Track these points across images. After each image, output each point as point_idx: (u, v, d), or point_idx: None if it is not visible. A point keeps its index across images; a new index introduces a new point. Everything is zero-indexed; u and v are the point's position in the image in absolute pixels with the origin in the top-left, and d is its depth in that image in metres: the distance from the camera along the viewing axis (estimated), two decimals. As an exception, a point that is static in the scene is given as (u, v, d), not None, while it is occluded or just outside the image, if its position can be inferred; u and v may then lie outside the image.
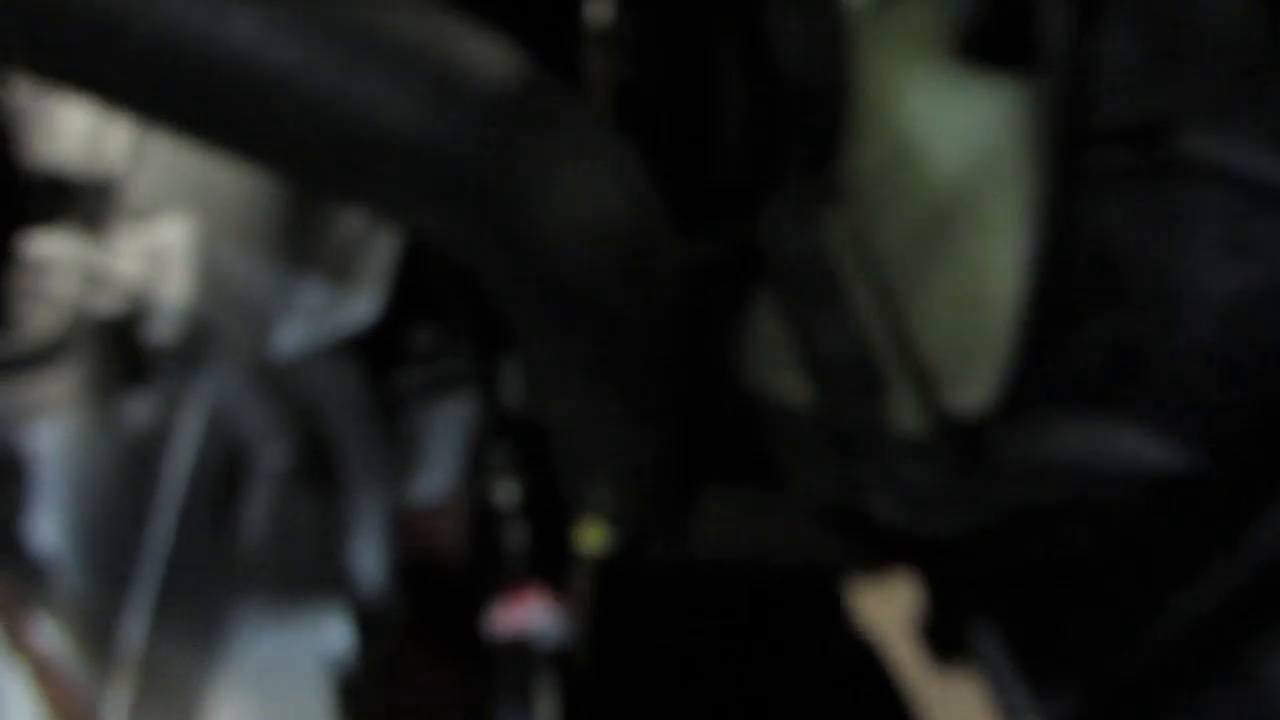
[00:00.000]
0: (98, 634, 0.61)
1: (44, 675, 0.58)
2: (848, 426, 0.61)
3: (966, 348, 0.55)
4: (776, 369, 0.74)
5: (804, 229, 0.62)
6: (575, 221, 0.52)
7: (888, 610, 0.82)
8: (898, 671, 0.82)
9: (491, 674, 0.68)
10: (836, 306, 0.61)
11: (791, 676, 0.84)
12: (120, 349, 0.65)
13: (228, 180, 0.68)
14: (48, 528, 0.61)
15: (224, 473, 0.68)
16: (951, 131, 0.55)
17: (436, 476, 0.77)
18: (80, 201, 0.65)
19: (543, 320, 0.56)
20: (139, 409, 0.65)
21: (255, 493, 0.69)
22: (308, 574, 0.71)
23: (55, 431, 0.62)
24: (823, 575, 0.83)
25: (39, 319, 0.63)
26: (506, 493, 0.69)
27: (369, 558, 0.73)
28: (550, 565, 0.72)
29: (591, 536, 0.71)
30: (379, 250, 0.71)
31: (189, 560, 0.65)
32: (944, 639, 0.77)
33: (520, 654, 0.69)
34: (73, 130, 0.64)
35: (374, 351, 0.74)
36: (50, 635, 0.60)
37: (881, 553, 0.78)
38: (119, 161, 0.66)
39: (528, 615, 0.70)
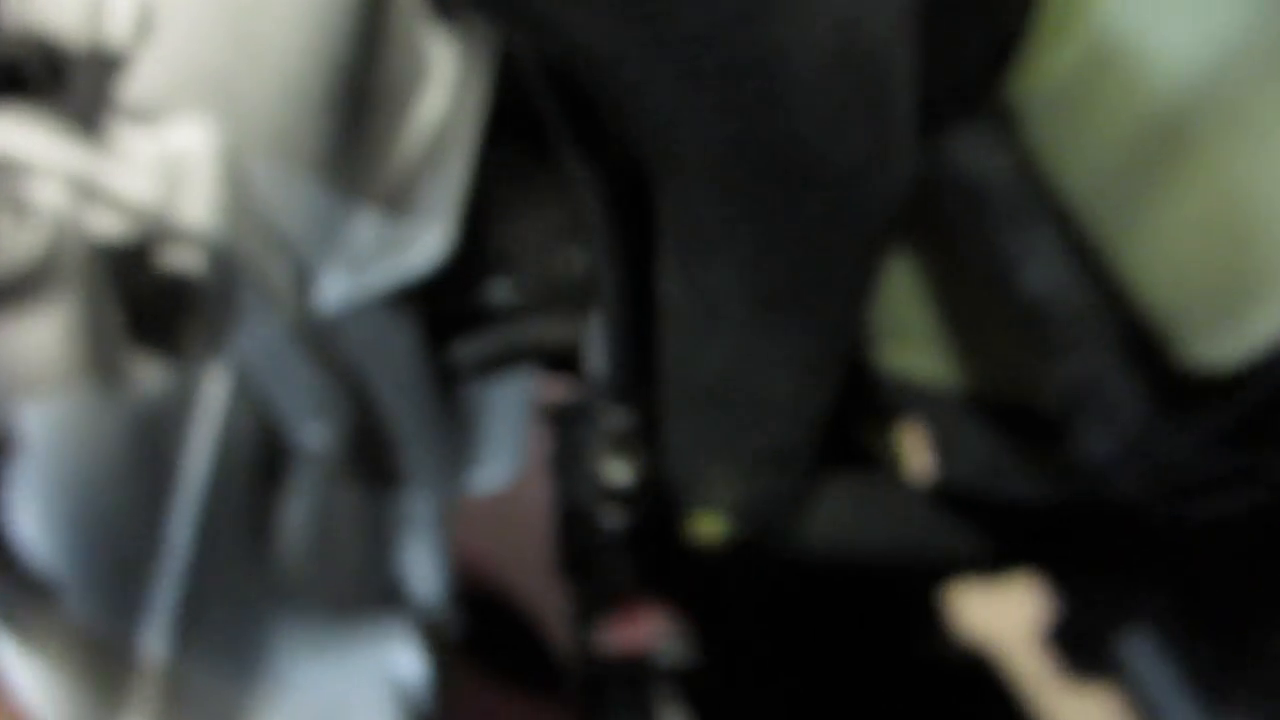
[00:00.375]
0: (103, 669, 0.44)
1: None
2: (1069, 384, 0.51)
3: (1219, 285, 0.46)
4: (898, 342, 0.64)
5: (994, 146, 0.52)
6: (831, 53, 0.40)
7: (1003, 617, 0.73)
8: (1017, 684, 0.72)
9: (602, 697, 0.54)
10: (1044, 234, 0.51)
11: (891, 689, 0.73)
12: (124, 286, 0.48)
13: (259, 78, 0.52)
14: (36, 529, 0.43)
15: (258, 457, 0.52)
16: (1179, 28, 0.46)
17: (495, 469, 0.63)
18: (70, 84, 0.48)
19: (742, 197, 0.44)
20: (151, 370, 0.48)
21: (295, 483, 0.53)
22: (360, 584, 0.55)
23: (44, 399, 0.44)
24: (928, 577, 0.73)
25: (13, 239, 0.46)
26: (618, 477, 0.56)
27: (425, 566, 0.58)
28: (654, 565, 0.59)
29: (707, 527, 0.59)
30: (446, 180, 0.56)
31: (219, 567, 0.49)
32: (1083, 648, 0.68)
33: (637, 674, 0.55)
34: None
35: (434, 309, 0.59)
36: (34, 682, 0.43)
37: (1009, 549, 0.68)
38: (123, 37, 0.49)
39: (643, 631, 0.56)
